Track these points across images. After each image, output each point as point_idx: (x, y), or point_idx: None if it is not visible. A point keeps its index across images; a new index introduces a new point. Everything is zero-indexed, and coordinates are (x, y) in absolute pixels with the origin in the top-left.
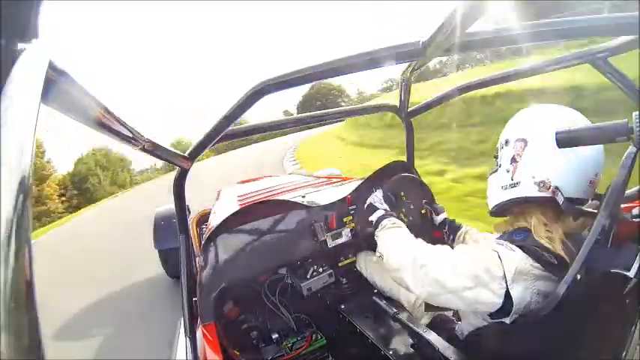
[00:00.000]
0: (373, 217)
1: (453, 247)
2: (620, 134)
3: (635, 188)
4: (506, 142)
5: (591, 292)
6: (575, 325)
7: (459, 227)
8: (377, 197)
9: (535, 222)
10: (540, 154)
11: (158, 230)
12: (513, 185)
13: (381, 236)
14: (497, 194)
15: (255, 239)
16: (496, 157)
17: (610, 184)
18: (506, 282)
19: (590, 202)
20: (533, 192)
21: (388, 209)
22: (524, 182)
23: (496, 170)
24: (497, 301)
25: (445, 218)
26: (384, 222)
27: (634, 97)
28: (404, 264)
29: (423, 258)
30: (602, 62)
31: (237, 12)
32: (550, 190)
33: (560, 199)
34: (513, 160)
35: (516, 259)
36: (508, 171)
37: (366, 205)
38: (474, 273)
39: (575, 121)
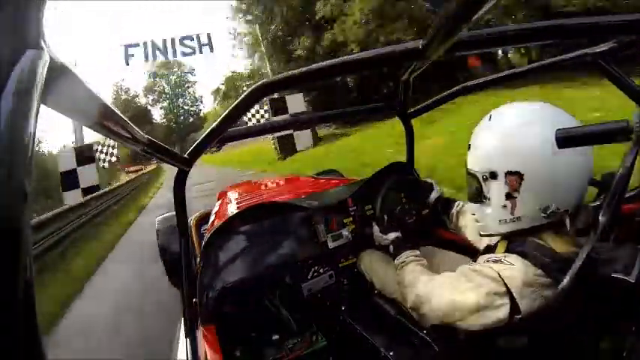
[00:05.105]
0: (391, 254)
1: (448, 227)
2: (621, 134)
3: (635, 189)
4: (492, 175)
5: (591, 296)
6: (576, 327)
7: (451, 204)
8: (377, 235)
9: (546, 239)
10: (542, 185)
11: (161, 239)
12: (516, 219)
13: (398, 275)
14: (494, 226)
15: (256, 240)
16: (479, 190)
17: (613, 184)
18: (512, 299)
19: (590, 206)
20: (540, 221)
21: (393, 236)
22: (528, 215)
23: (482, 201)
24: (505, 318)
25: (439, 196)
26: (396, 262)
27: (634, 97)
28: (413, 305)
29: (429, 298)
30: (602, 62)
31: None
32: (558, 214)
33: (567, 223)
34: (509, 196)
35: (518, 273)
36: (505, 207)
37: (378, 245)
38: (479, 299)
39: (565, 125)
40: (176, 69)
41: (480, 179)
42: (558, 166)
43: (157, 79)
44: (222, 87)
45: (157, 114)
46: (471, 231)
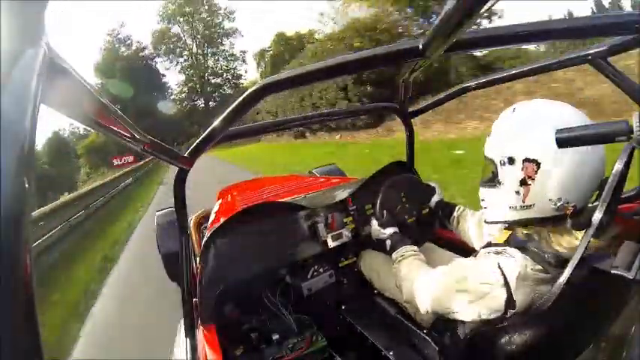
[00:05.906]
0: (388, 249)
1: (448, 228)
2: (621, 134)
3: (635, 189)
4: (510, 160)
5: (591, 292)
6: (576, 325)
7: (452, 208)
8: (375, 229)
9: (547, 235)
10: (557, 176)
11: (161, 234)
12: (526, 207)
13: (395, 268)
14: (504, 212)
15: (256, 240)
16: (494, 174)
17: (608, 179)
18: (508, 289)
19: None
20: (550, 212)
21: (391, 231)
22: (539, 204)
23: (495, 185)
24: (501, 309)
25: (440, 200)
26: (393, 255)
27: (634, 97)
28: (409, 298)
29: (426, 289)
30: (602, 62)
31: None
32: (568, 208)
33: (568, 219)
34: (524, 182)
35: (517, 265)
36: (518, 193)
37: (376, 240)
38: (476, 287)
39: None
40: (204, 11)
41: (497, 164)
42: (575, 161)
43: (174, 25)
44: (270, 50)
45: (174, 81)
46: (472, 235)
